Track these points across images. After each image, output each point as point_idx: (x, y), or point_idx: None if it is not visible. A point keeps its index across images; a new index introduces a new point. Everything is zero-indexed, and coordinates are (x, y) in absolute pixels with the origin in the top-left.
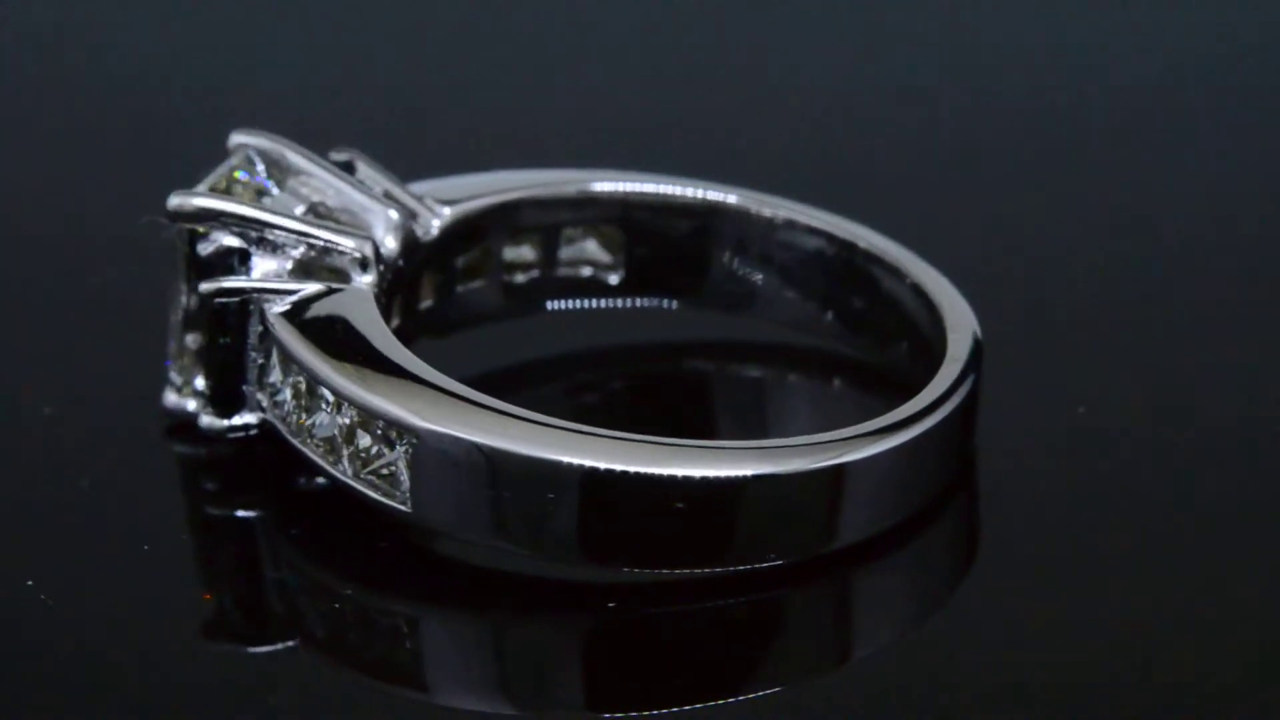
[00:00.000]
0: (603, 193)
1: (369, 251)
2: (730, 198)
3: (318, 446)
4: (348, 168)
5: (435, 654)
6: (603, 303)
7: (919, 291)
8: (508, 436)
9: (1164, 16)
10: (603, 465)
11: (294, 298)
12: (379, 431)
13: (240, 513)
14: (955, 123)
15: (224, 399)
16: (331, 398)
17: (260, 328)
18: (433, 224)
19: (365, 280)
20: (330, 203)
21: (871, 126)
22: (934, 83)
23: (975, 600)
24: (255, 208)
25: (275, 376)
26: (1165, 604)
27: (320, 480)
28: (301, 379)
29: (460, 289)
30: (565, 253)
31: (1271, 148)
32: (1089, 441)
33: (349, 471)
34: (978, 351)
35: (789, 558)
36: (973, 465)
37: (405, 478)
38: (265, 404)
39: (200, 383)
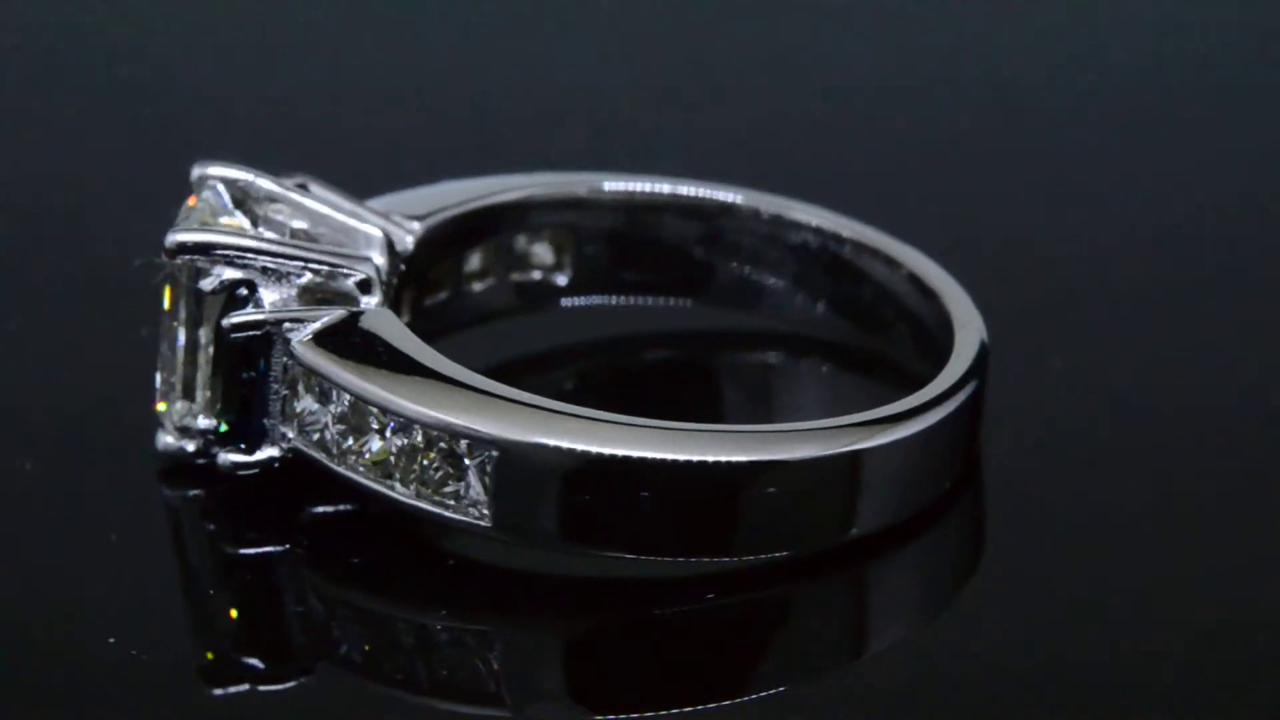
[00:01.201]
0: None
1: (372, 272)
2: (731, 196)
3: (368, 470)
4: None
5: (508, 665)
6: (613, 300)
7: (924, 289)
8: (595, 439)
9: (1168, 12)
10: (695, 458)
11: (316, 325)
12: (445, 447)
13: (268, 547)
14: (954, 121)
15: (246, 434)
16: (380, 420)
17: (284, 359)
18: (406, 240)
19: (373, 301)
20: (309, 228)
21: (869, 125)
22: (933, 81)
23: (982, 599)
24: (261, 239)
25: (305, 404)
26: (1168, 603)
27: (346, 507)
28: (344, 404)
29: (429, 302)
30: (513, 259)
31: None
32: (1092, 439)
33: (410, 492)
34: (984, 352)
35: (804, 548)
36: (978, 463)
37: (481, 492)
38: (291, 435)
39: (203, 421)
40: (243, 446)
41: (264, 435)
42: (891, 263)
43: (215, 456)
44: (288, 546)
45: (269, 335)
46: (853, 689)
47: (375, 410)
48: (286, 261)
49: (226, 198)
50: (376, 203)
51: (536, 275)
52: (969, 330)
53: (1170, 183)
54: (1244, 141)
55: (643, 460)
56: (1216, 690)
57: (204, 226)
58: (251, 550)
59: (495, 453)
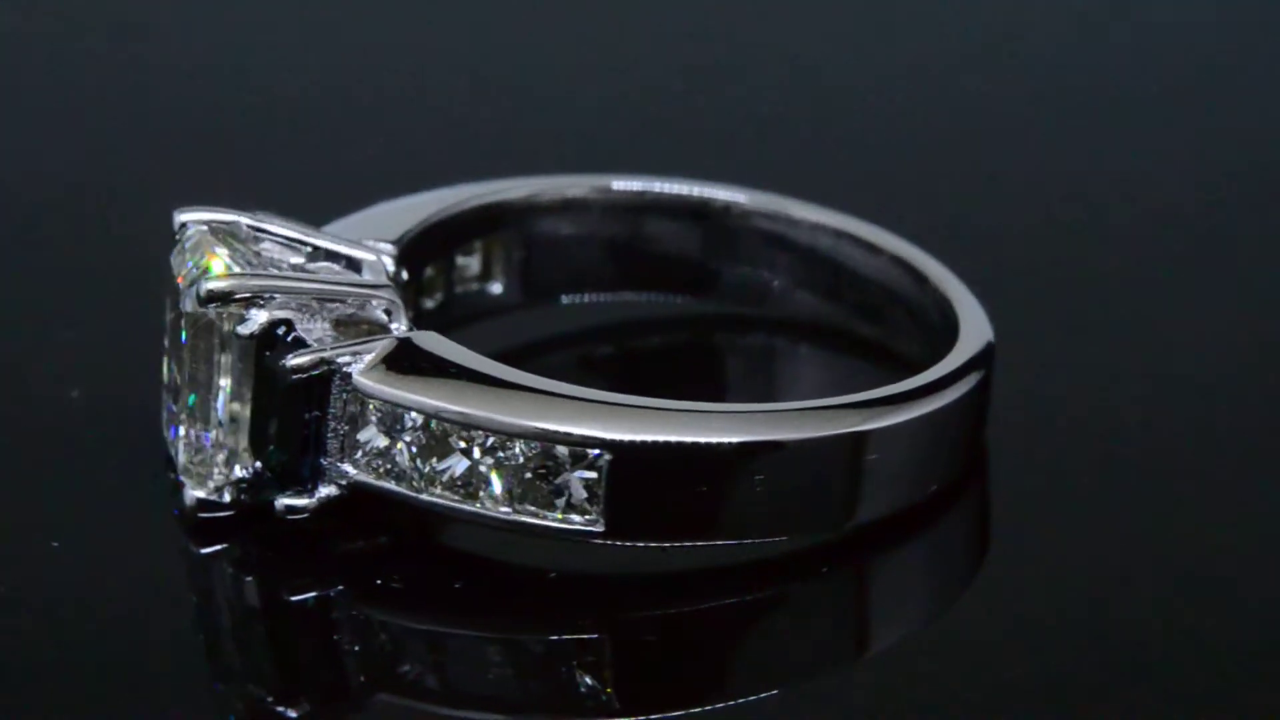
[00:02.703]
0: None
1: (397, 296)
2: (728, 195)
3: (452, 492)
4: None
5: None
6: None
7: (930, 287)
8: (709, 430)
9: (1172, 10)
10: (792, 437)
11: (373, 355)
12: (544, 457)
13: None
14: (953, 120)
15: (296, 476)
16: (466, 438)
17: (343, 393)
18: (386, 262)
19: (401, 325)
20: (304, 261)
21: (868, 124)
22: (932, 79)
23: (988, 595)
24: (296, 276)
25: (369, 436)
26: (1173, 603)
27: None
28: (421, 429)
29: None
30: (457, 272)
31: None
32: (1096, 437)
33: (507, 508)
34: (990, 345)
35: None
36: (984, 458)
37: (587, 498)
38: (352, 470)
39: (238, 470)
40: (299, 489)
41: (318, 475)
42: (896, 261)
43: (246, 502)
44: (339, 587)
45: (326, 372)
46: (854, 689)
47: (460, 429)
48: (326, 296)
49: (214, 241)
50: (333, 228)
51: (474, 286)
52: (974, 325)
53: (1172, 174)
54: (1244, 134)
55: (758, 444)
56: (1219, 689)
57: (236, 273)
58: (303, 596)
59: (607, 456)
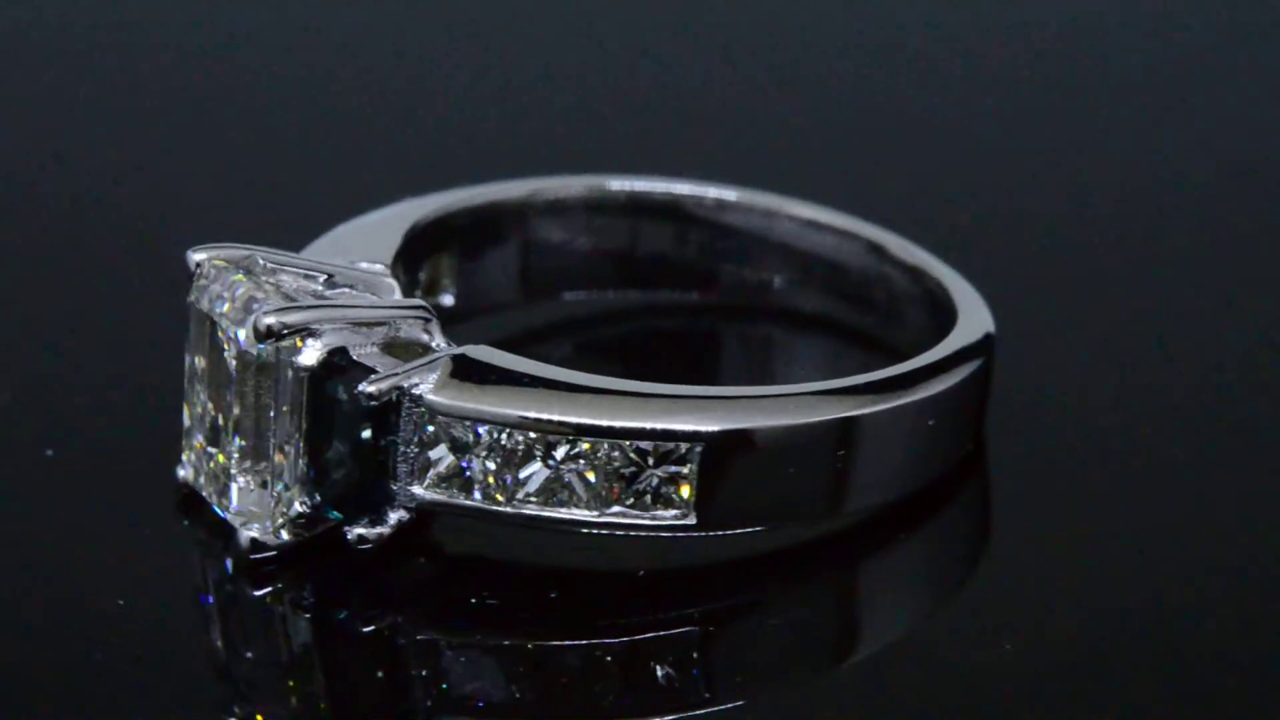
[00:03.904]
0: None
1: (433, 314)
2: (725, 194)
3: (537, 502)
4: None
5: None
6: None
7: (930, 284)
8: (784, 413)
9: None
10: (867, 411)
11: (438, 374)
12: (631, 456)
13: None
14: (950, 119)
15: (361, 505)
16: (545, 446)
17: (413, 415)
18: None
19: (441, 340)
20: (322, 288)
21: (865, 122)
22: (928, 77)
23: (984, 593)
24: (348, 303)
25: (440, 454)
26: (1176, 602)
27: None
28: (497, 443)
29: None
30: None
31: None
32: (1095, 433)
33: (596, 512)
34: (990, 336)
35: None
36: (983, 451)
37: (675, 493)
38: (422, 491)
39: (297, 506)
40: (368, 518)
41: (388, 501)
42: (896, 259)
43: (302, 539)
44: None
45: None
46: (847, 688)
47: (542, 436)
48: (372, 320)
49: (241, 276)
50: (314, 250)
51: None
52: (973, 315)
53: (1172, 166)
54: (1245, 125)
55: (847, 419)
56: (1220, 688)
57: (289, 305)
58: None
59: (699, 447)
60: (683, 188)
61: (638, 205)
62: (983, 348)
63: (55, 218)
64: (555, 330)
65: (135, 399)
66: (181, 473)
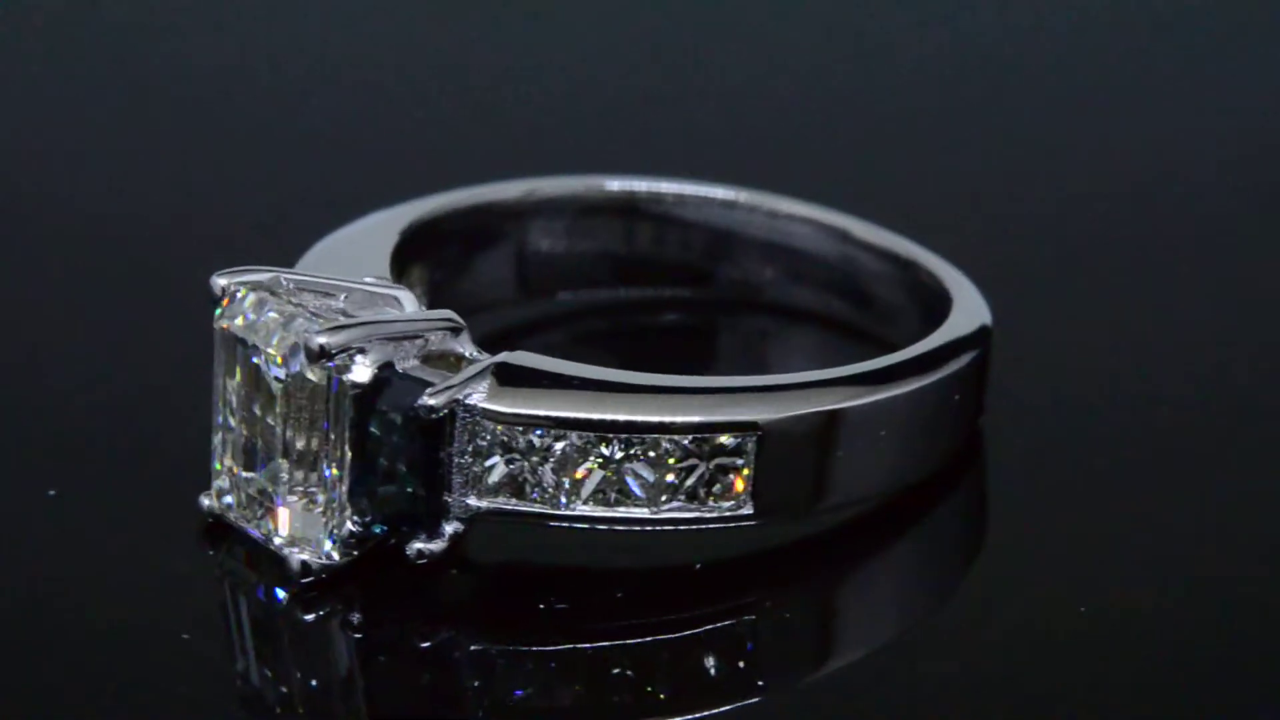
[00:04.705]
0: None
1: (462, 322)
2: (722, 193)
3: (595, 502)
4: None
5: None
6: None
7: (928, 279)
8: (843, 395)
9: None
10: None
11: (487, 382)
12: (688, 452)
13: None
14: (950, 117)
15: (414, 519)
16: (600, 448)
17: (468, 425)
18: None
19: (473, 350)
20: (347, 306)
21: (864, 121)
22: (928, 76)
23: (980, 592)
24: (392, 318)
25: (494, 463)
26: (1176, 600)
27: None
28: (552, 446)
29: None
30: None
31: None
32: (1094, 430)
33: (654, 509)
34: (986, 329)
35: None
36: (980, 447)
37: (732, 484)
38: (477, 501)
39: (349, 526)
40: (425, 533)
41: (442, 513)
42: (894, 256)
43: (353, 558)
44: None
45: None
46: (841, 690)
47: (598, 437)
48: (412, 334)
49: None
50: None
51: None
52: (968, 309)
53: (1170, 160)
54: (1243, 121)
55: (890, 399)
56: (1219, 687)
57: (339, 324)
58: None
59: (754, 436)
60: (683, 187)
61: (634, 205)
62: (978, 339)
63: (50, 228)
64: (540, 327)
65: (140, 426)
66: (206, 502)
